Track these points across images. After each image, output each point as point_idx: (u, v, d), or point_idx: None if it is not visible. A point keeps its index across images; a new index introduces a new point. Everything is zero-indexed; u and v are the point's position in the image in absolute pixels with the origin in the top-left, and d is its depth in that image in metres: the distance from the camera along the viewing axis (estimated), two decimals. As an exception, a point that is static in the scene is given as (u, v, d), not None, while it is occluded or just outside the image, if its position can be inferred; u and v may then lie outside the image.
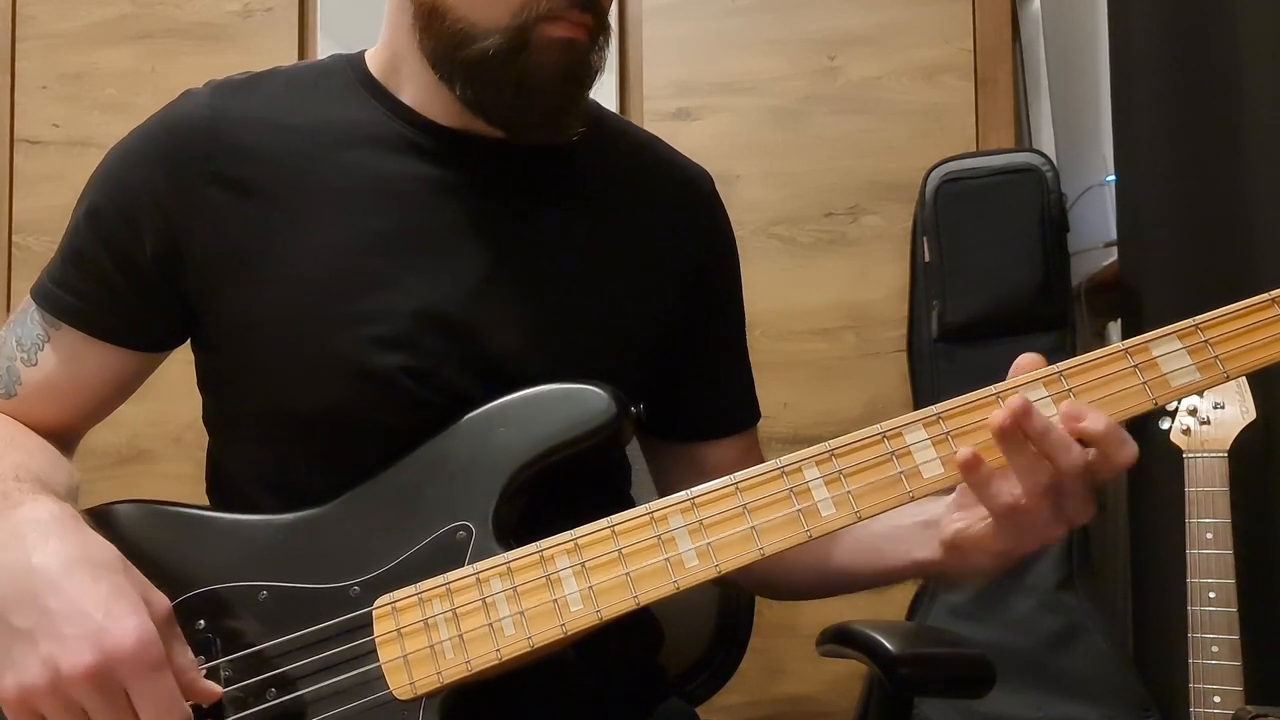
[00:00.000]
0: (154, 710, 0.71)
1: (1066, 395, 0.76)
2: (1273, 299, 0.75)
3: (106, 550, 0.75)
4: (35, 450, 0.89)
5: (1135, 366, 0.76)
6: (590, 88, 0.91)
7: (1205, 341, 0.75)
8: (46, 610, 0.70)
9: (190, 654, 0.76)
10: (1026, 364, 0.78)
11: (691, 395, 1.03)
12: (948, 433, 0.77)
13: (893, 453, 0.77)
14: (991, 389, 0.77)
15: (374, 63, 0.96)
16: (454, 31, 0.86)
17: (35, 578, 0.72)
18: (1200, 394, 1.35)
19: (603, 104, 1.03)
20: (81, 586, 0.71)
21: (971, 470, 0.74)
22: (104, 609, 0.70)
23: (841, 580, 0.97)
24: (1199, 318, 0.76)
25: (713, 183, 1.06)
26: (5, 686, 0.71)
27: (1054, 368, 0.77)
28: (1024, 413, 0.72)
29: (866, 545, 0.93)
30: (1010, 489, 0.74)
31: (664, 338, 0.99)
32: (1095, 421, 0.74)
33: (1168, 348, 0.75)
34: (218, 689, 0.78)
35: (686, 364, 1.02)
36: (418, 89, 0.92)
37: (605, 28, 0.89)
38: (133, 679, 0.70)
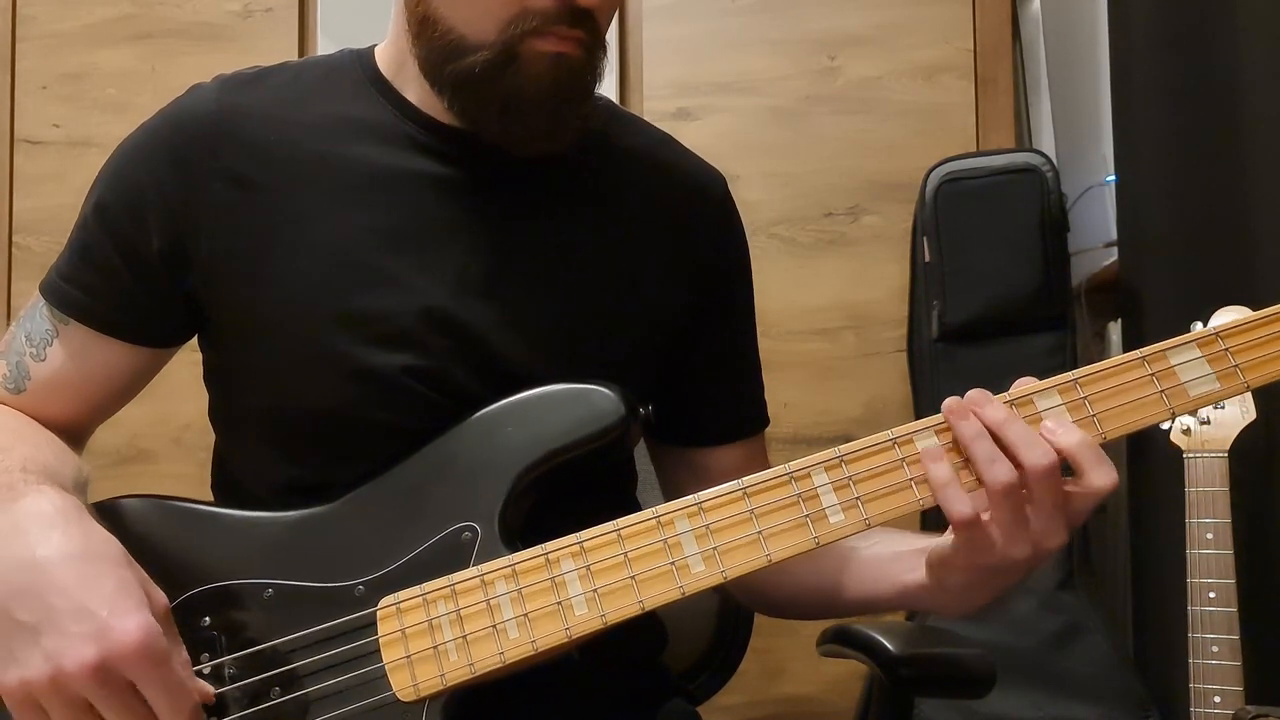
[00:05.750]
0: (166, 700, 0.72)
1: (1082, 403, 0.75)
2: None
3: (110, 545, 0.75)
4: (43, 444, 0.89)
5: (1152, 375, 0.75)
6: (587, 101, 0.90)
7: (1225, 350, 0.74)
8: (50, 606, 0.70)
9: (185, 654, 0.76)
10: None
11: (698, 400, 1.03)
12: None
13: (903, 459, 0.76)
14: (1006, 395, 0.76)
15: (382, 59, 0.95)
16: (444, 44, 0.86)
17: (38, 572, 0.72)
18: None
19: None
20: (85, 581, 0.71)
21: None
22: (108, 605, 0.71)
23: (835, 600, 0.95)
24: (1218, 325, 0.75)
25: (726, 186, 1.05)
26: (7, 680, 0.71)
27: (1069, 375, 0.75)
28: (981, 400, 0.73)
29: (863, 566, 0.92)
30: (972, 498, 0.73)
31: (671, 341, 0.99)
32: (1068, 435, 0.73)
33: (1186, 356, 0.75)
34: (211, 689, 0.78)
35: (694, 368, 1.02)
36: (423, 88, 0.91)
37: (601, 41, 0.87)
38: (140, 673, 0.71)
